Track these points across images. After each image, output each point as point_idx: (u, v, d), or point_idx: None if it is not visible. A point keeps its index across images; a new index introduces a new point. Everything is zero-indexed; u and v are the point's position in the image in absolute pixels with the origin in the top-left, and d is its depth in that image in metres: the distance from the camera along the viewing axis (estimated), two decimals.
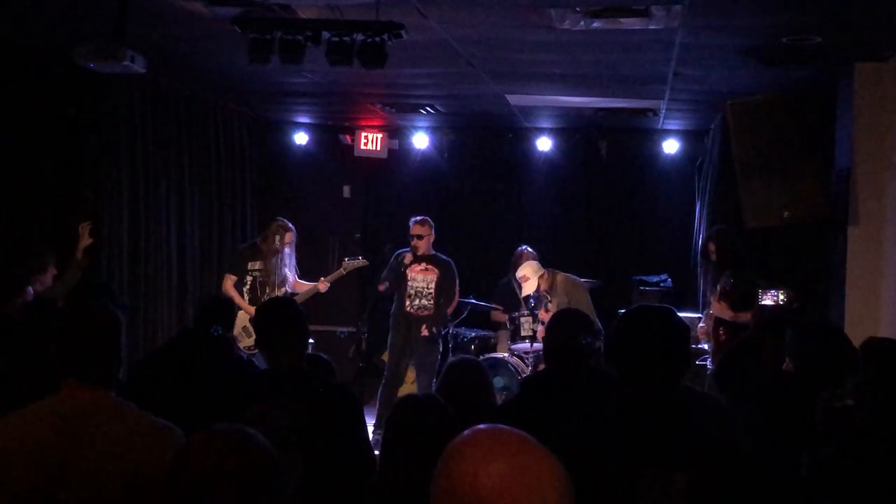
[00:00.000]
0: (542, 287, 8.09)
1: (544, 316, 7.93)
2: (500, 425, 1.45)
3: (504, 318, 8.90)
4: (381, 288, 8.24)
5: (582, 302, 7.90)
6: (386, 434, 3.14)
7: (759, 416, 4.33)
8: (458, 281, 8.35)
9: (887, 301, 6.16)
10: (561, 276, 8.16)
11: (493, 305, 9.16)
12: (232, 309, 5.52)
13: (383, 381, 8.25)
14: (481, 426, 1.46)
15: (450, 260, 8.34)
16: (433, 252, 8.29)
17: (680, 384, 2.84)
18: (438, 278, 8.16)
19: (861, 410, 3.21)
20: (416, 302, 8.14)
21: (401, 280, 8.13)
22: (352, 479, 3.39)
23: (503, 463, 1.37)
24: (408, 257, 8.07)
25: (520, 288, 8.44)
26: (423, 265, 8.18)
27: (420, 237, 8.11)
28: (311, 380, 3.66)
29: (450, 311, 8.34)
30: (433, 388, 5.72)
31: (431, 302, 8.12)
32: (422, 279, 8.14)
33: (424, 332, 8.08)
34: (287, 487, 1.91)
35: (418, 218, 8.29)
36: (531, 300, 8.34)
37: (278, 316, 3.74)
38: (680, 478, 2.18)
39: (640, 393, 2.66)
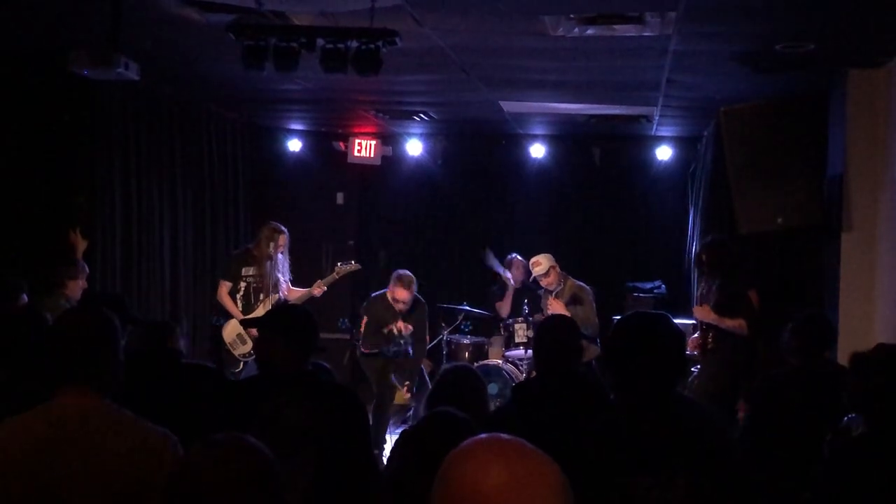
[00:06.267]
0: (553, 278, 8.08)
1: (552, 302, 7.96)
2: (500, 434, 1.45)
3: (506, 306, 8.84)
4: (366, 351, 7.79)
5: (586, 307, 7.94)
6: (404, 449, 2.98)
7: (756, 416, 4.42)
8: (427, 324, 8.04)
9: (881, 306, 6.18)
10: (572, 280, 8.17)
11: (485, 312, 9.12)
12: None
13: (375, 405, 7.68)
14: (481, 435, 1.46)
15: (423, 300, 7.96)
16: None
17: (675, 389, 2.85)
18: (415, 326, 7.81)
19: (868, 417, 3.22)
20: (395, 349, 7.69)
21: (383, 336, 7.71)
22: (358, 478, 3.42)
23: (503, 470, 1.37)
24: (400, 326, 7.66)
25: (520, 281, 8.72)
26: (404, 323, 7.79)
27: (406, 302, 7.70)
28: (319, 381, 3.70)
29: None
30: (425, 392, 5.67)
31: (409, 347, 7.76)
32: (405, 333, 7.72)
33: (406, 395, 7.82)
34: (285, 493, 1.89)
35: (402, 276, 7.76)
36: (525, 308, 8.34)
37: (287, 318, 3.77)
38: (680, 482, 2.18)
39: (636, 398, 2.67)
